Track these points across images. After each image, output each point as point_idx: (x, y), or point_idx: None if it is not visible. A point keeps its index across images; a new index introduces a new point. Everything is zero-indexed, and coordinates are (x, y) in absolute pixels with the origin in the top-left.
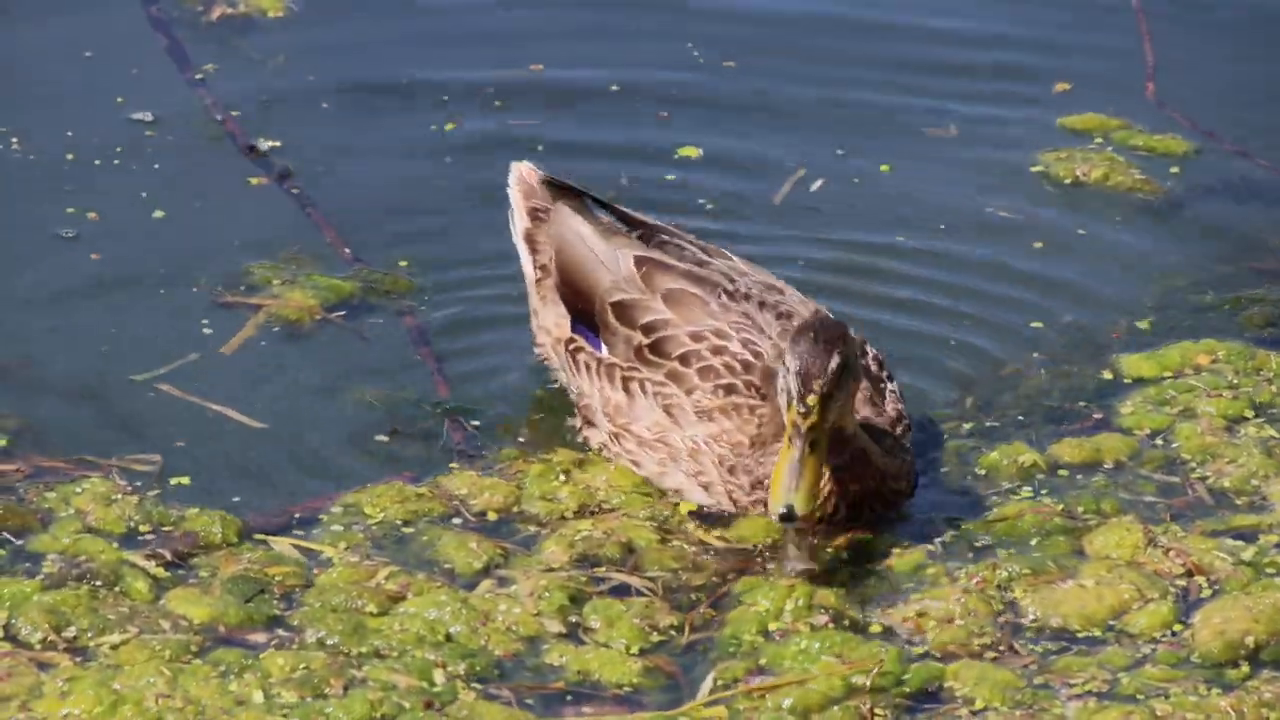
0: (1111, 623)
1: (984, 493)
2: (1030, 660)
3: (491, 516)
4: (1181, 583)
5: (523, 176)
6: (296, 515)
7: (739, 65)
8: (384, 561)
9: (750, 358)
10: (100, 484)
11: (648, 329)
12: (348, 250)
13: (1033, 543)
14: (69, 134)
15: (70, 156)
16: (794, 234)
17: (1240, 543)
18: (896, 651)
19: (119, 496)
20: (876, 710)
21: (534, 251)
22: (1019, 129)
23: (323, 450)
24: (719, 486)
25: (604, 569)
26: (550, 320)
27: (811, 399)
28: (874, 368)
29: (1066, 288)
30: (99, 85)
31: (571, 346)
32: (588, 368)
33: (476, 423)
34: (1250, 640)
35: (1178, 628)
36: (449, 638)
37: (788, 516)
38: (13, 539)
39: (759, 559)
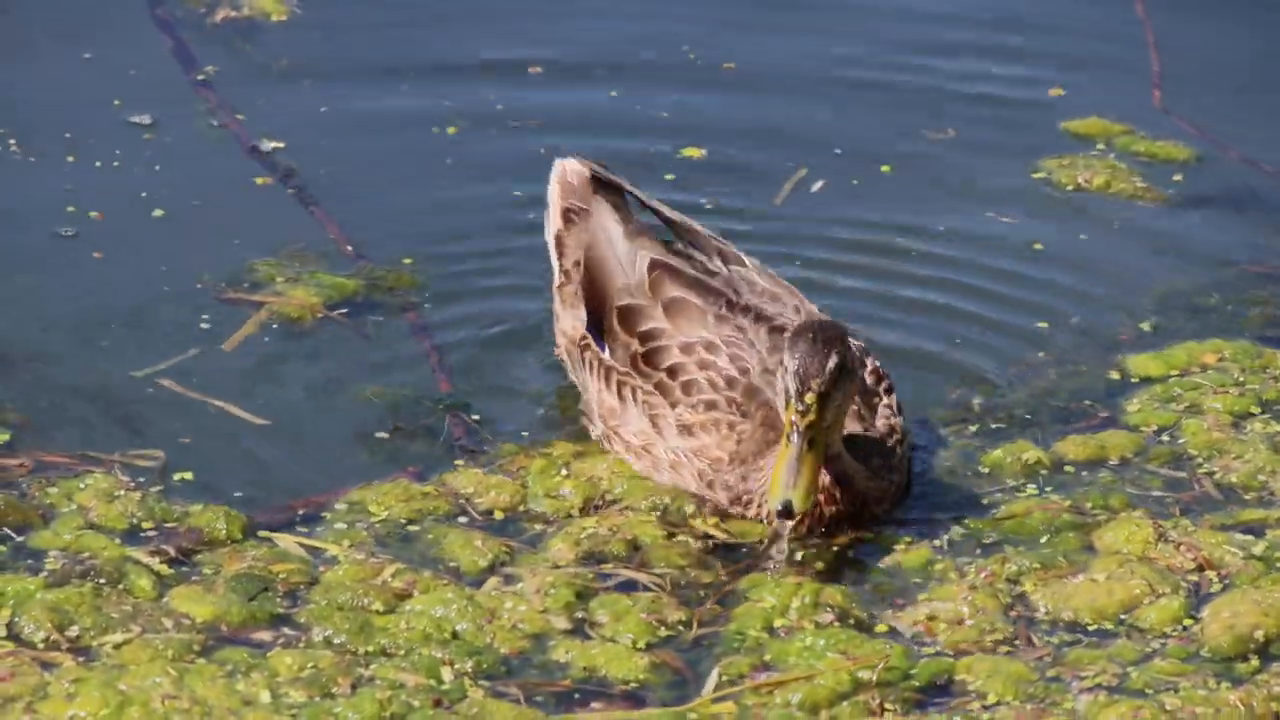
0: (1122, 617)
1: (990, 490)
2: (1043, 653)
3: (498, 515)
4: (1192, 577)
5: (564, 175)
6: (300, 512)
7: (739, 67)
8: (389, 559)
9: (735, 373)
10: (103, 480)
11: (645, 337)
12: (350, 248)
13: (1042, 539)
14: (67, 135)
15: (70, 158)
16: (795, 234)
17: (1250, 537)
18: (902, 648)
19: (121, 492)
20: (886, 705)
21: (561, 255)
22: (1022, 133)
23: (325, 447)
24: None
25: (610, 565)
26: (568, 324)
27: (810, 397)
28: (870, 381)
29: (1070, 289)
30: (99, 87)
31: (582, 343)
32: (591, 366)
33: (476, 417)
34: (1260, 634)
35: (1188, 622)
36: (455, 635)
37: (785, 513)
38: (14, 535)
39: (764, 556)
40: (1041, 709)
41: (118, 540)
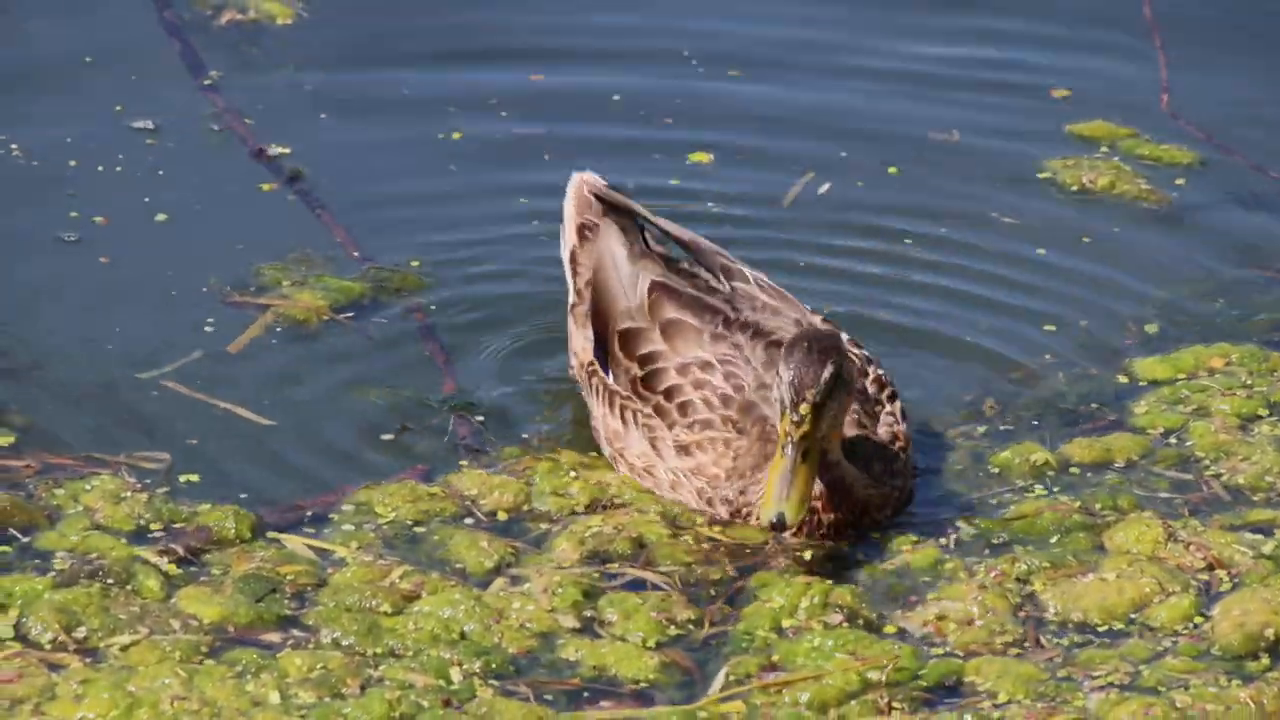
0: (1133, 616)
1: (998, 491)
2: (1053, 653)
3: (502, 516)
4: (1202, 576)
5: (580, 190)
6: (308, 513)
7: (744, 74)
8: (397, 561)
9: (730, 391)
10: (109, 481)
11: (643, 361)
12: (356, 253)
13: (1052, 539)
14: (68, 140)
15: (73, 163)
16: (801, 238)
17: (1259, 537)
18: (911, 648)
19: (128, 494)
20: (894, 704)
21: (575, 274)
22: (1028, 135)
23: (331, 448)
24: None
25: (616, 565)
26: (579, 344)
27: (804, 408)
28: (873, 389)
29: (1076, 293)
30: (101, 91)
31: (590, 368)
32: (597, 392)
33: (480, 418)
34: (1270, 632)
35: (1198, 620)
36: (463, 636)
37: (778, 525)
38: (20, 536)
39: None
40: (1052, 707)
41: (124, 541)
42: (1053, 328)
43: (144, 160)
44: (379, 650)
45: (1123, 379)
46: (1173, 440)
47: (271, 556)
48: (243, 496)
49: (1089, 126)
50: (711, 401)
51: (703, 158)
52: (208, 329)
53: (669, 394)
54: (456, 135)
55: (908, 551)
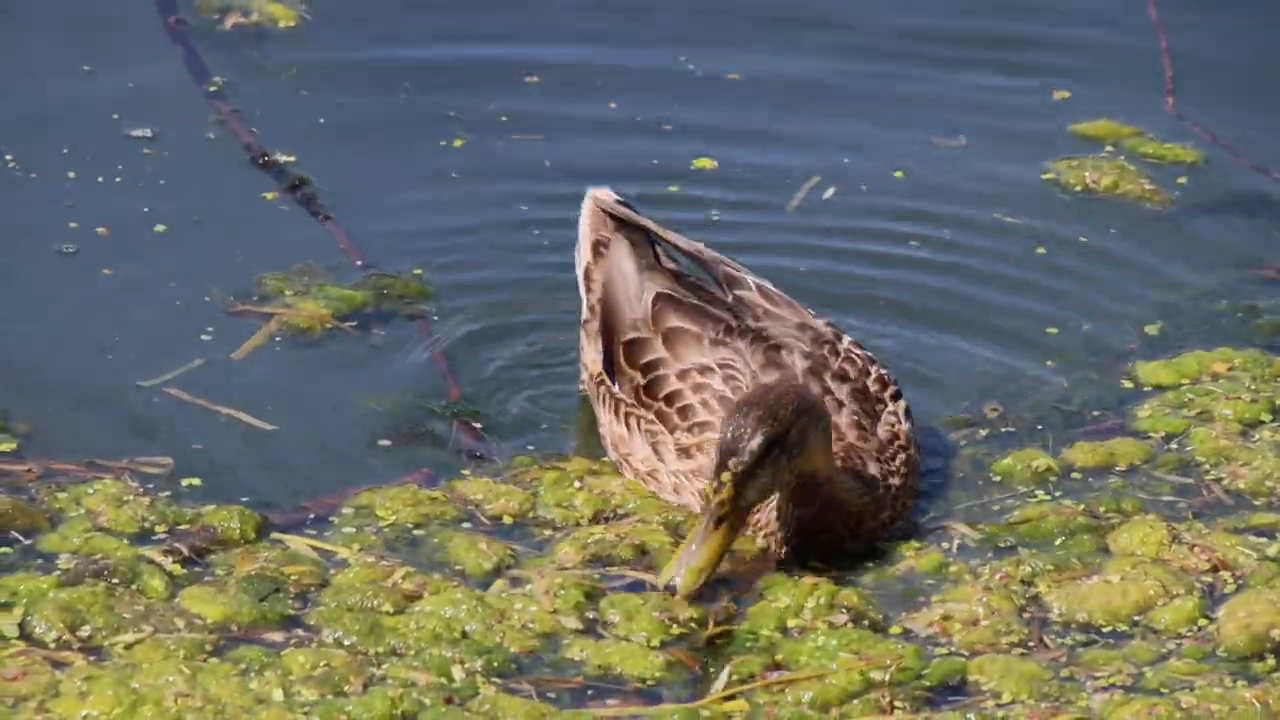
0: (1137, 618)
1: (1001, 496)
2: (1057, 654)
3: (506, 520)
4: (1207, 578)
5: (593, 207)
6: (310, 515)
7: (743, 77)
8: (399, 562)
9: (729, 394)
10: (111, 485)
11: (646, 369)
12: (359, 261)
13: (1056, 541)
14: (64, 151)
15: (72, 174)
16: (807, 242)
17: (1263, 539)
18: (915, 648)
19: (130, 498)
20: (896, 703)
21: (588, 290)
22: (1032, 138)
23: (333, 453)
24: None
25: (618, 568)
26: (589, 358)
27: (725, 476)
28: (875, 388)
29: (1079, 296)
30: (100, 99)
31: (598, 379)
32: (604, 401)
33: (479, 425)
34: (1275, 634)
35: (1203, 622)
36: (465, 635)
37: (670, 590)
38: (22, 539)
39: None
40: (1056, 707)
41: (127, 542)
42: (1055, 330)
43: (143, 169)
44: (381, 649)
45: (1126, 383)
46: (1174, 445)
47: (275, 557)
48: (244, 500)
49: (1092, 126)
50: (710, 404)
51: (706, 164)
52: (210, 338)
53: (670, 399)
54: (459, 142)
55: (913, 556)
